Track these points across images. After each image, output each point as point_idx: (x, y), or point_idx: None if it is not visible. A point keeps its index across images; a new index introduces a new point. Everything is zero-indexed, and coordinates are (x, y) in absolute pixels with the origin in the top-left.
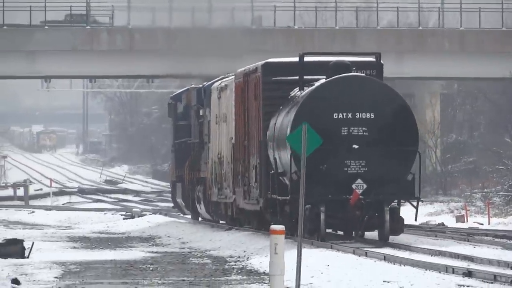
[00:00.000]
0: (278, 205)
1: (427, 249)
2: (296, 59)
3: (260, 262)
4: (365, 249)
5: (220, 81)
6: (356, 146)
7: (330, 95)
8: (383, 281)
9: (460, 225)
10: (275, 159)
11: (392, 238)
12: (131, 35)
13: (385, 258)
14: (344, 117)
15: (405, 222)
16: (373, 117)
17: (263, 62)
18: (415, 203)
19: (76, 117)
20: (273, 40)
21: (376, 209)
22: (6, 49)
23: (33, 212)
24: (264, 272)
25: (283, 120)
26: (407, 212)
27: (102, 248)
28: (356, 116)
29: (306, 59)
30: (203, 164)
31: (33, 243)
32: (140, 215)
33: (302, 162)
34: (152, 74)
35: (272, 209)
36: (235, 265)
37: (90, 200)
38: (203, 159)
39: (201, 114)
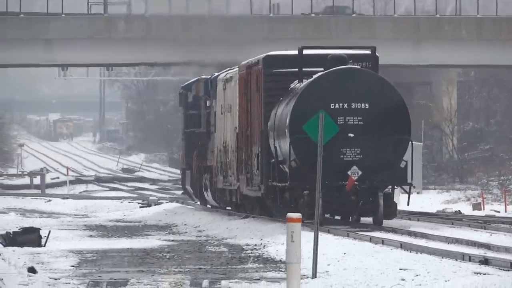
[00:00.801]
0: (278, 192)
1: (444, 236)
2: (296, 52)
3: (276, 250)
4: (382, 236)
5: (225, 73)
6: (351, 135)
7: (327, 86)
8: (400, 269)
9: (476, 212)
10: (275, 148)
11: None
12: (148, 23)
13: (402, 246)
14: (340, 107)
15: (424, 210)
16: (367, 107)
17: (264, 55)
18: (407, 189)
19: (93, 105)
20: (290, 28)
21: (370, 195)
22: (23, 37)
23: (49, 200)
24: (280, 260)
25: (283, 111)
26: (423, 200)
27: (118, 237)
28: (352, 106)
29: (305, 52)
30: (210, 153)
31: (49, 231)
32: (157, 203)
33: (319, 150)
34: (169, 61)
35: (272, 195)
36: (251, 253)
37: (107, 189)
38: (209, 148)
39: (208, 104)
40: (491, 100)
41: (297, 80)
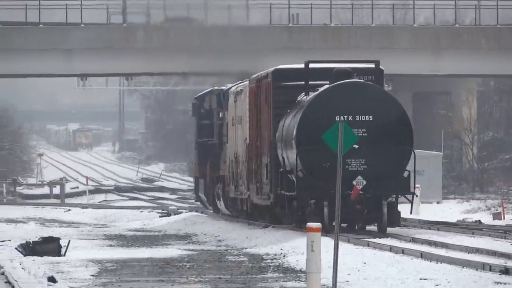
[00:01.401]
0: (286, 200)
1: (464, 246)
2: (303, 66)
3: (296, 259)
4: (402, 246)
5: (236, 86)
6: (356, 146)
7: (332, 99)
8: (420, 279)
9: (497, 222)
10: (283, 158)
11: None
12: (167, 33)
13: (422, 255)
14: (345, 119)
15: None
16: (371, 119)
17: (273, 68)
18: (410, 198)
19: (112, 115)
20: (310, 37)
21: (375, 204)
22: (43, 47)
23: (69, 210)
24: (300, 270)
25: (290, 123)
26: (443, 210)
27: (138, 246)
28: (356, 119)
29: (312, 65)
30: (222, 163)
31: (69, 241)
32: (176, 212)
33: (339, 161)
34: (188, 71)
35: (281, 204)
36: (271, 262)
37: (126, 198)
38: (222, 159)
39: (220, 116)
40: (510, 110)
41: (304, 93)
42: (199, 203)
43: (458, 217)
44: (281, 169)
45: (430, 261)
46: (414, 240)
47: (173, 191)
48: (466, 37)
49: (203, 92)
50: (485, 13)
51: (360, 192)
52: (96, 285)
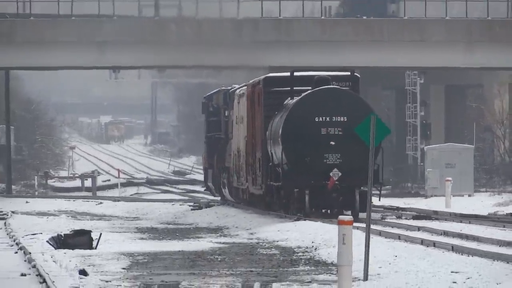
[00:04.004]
0: (274, 190)
1: (495, 239)
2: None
3: (328, 252)
4: (433, 239)
5: (239, 89)
6: (333, 143)
7: (313, 103)
8: (451, 272)
9: None
10: (271, 153)
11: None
12: (199, 26)
13: (453, 248)
14: (323, 120)
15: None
16: (346, 120)
17: (263, 76)
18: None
19: (144, 108)
20: (342, 31)
21: (349, 192)
22: (75, 40)
23: (101, 203)
24: (332, 263)
25: (277, 123)
26: (475, 203)
27: (170, 239)
28: (333, 119)
29: (297, 74)
30: (228, 156)
31: (100, 234)
32: (208, 205)
33: (371, 153)
34: (219, 64)
35: (270, 193)
36: (303, 255)
37: (158, 191)
38: (227, 152)
39: (226, 114)
40: None
41: (289, 97)
42: (208, 191)
43: (489, 210)
44: (270, 163)
45: (462, 254)
46: (445, 233)
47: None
48: (499, 30)
49: (211, 92)
50: None
51: (336, 182)
52: (127, 278)
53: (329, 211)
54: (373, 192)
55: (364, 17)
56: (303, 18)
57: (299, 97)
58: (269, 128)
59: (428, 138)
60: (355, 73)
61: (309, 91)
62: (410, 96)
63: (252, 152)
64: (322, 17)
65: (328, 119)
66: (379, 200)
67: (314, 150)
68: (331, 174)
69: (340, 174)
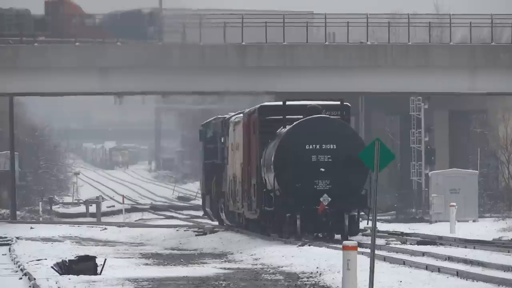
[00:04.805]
0: (268, 214)
1: (500, 264)
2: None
3: (332, 278)
4: (438, 264)
5: (235, 117)
6: (322, 169)
7: (304, 131)
8: None
9: None
10: (265, 179)
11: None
12: (203, 52)
13: (458, 273)
14: (314, 147)
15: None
16: (335, 147)
17: (259, 105)
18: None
19: (148, 133)
20: (346, 56)
21: (338, 217)
22: (79, 65)
23: (105, 228)
24: None
25: (270, 150)
26: (479, 228)
27: (174, 265)
28: (323, 147)
29: (290, 103)
30: (224, 182)
31: (105, 259)
32: (213, 231)
33: (375, 177)
34: (223, 90)
35: (265, 217)
36: (307, 281)
37: (163, 217)
38: (224, 177)
39: (222, 141)
40: None
41: (282, 126)
42: (205, 216)
43: (494, 236)
44: (265, 189)
45: (466, 280)
46: (450, 259)
47: None
48: (503, 56)
49: (208, 120)
50: None
51: (326, 207)
52: None
53: (320, 234)
54: (361, 214)
55: (368, 43)
56: (307, 44)
57: (291, 126)
58: (263, 155)
59: (433, 163)
60: (344, 103)
61: (300, 120)
62: (414, 121)
63: (247, 178)
64: (326, 43)
65: (318, 146)
66: (367, 223)
67: (305, 177)
68: (321, 199)
69: (329, 199)
